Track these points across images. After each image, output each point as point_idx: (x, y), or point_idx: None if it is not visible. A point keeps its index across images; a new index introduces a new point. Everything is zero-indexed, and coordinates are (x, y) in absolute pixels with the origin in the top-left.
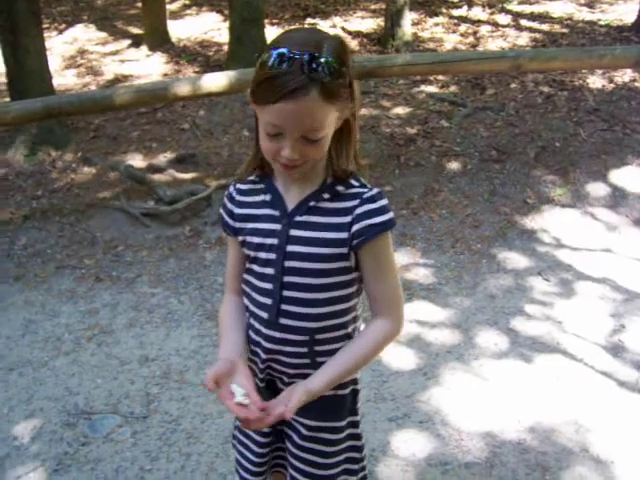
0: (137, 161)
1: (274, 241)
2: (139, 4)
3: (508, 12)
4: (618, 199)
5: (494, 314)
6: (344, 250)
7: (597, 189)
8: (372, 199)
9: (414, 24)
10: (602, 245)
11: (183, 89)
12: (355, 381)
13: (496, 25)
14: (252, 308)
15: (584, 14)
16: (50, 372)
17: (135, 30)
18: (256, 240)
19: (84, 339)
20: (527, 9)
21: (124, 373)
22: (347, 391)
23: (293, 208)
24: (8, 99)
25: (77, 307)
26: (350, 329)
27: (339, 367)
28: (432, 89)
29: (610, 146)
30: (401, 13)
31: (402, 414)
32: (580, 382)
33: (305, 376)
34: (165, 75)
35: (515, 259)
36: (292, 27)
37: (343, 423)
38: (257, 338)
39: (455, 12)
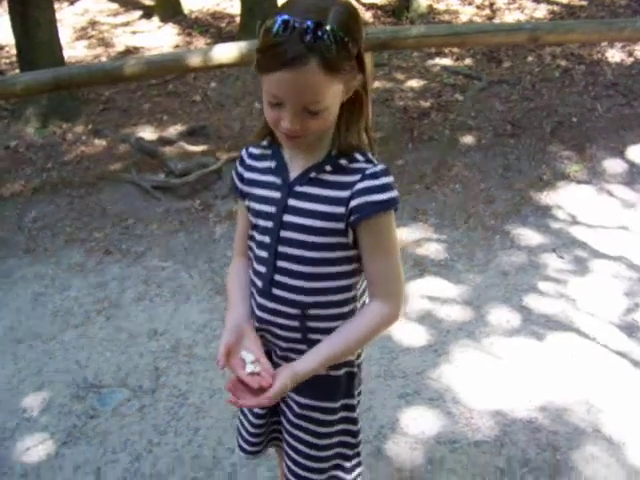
0: (148, 133)
1: (272, 209)
2: None
3: None
4: (635, 176)
5: (506, 291)
6: (340, 225)
7: (614, 165)
8: (374, 175)
9: None
10: (618, 222)
11: (194, 60)
12: (350, 363)
13: None
14: (252, 276)
15: None
16: (59, 345)
17: (147, 1)
18: (257, 206)
19: (93, 312)
20: None
21: (133, 347)
22: (341, 372)
23: (295, 178)
24: (18, 71)
25: (86, 280)
26: (346, 309)
27: (329, 350)
28: (447, 62)
29: (628, 121)
30: None
31: (412, 391)
32: (593, 361)
33: (297, 352)
34: (176, 47)
35: (529, 236)
36: None
37: (336, 405)
38: (254, 306)
39: None
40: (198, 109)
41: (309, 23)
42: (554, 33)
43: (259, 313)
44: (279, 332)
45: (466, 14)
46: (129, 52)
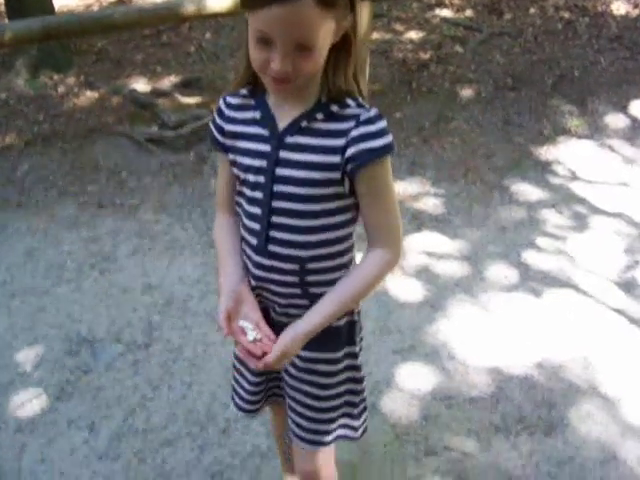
0: (141, 85)
1: (263, 163)
2: None
3: None
4: (637, 131)
5: (505, 247)
6: (336, 175)
7: (616, 120)
8: (370, 121)
9: None
10: (619, 179)
11: (187, 9)
12: (350, 312)
13: None
14: (244, 233)
15: None
16: (52, 300)
17: None
18: (245, 161)
19: (87, 267)
20: None
21: (126, 301)
22: (342, 322)
23: (284, 128)
24: (6, 20)
25: (80, 234)
26: (346, 258)
27: (332, 306)
28: (447, 13)
29: (632, 75)
30: None
31: (407, 347)
32: (591, 318)
33: (298, 307)
34: None
35: (528, 191)
36: None
37: (339, 354)
38: (248, 264)
39: None
40: (192, 60)
41: None
42: None
43: (255, 271)
44: (277, 289)
45: None
46: (122, 2)
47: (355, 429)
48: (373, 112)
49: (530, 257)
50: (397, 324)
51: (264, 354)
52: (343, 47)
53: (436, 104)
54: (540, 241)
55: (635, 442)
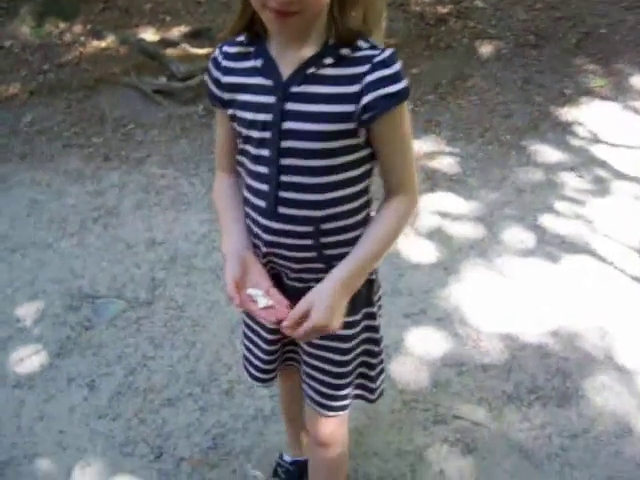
0: (149, 35)
1: (268, 117)
2: None
3: None
4: None
5: (521, 209)
6: (351, 125)
7: None
8: (385, 63)
9: None
10: None
11: None
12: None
13: None
14: (248, 195)
15: None
16: (54, 254)
17: None
18: (248, 116)
19: (90, 221)
20: None
21: (130, 257)
22: None
23: (289, 76)
24: None
25: (84, 187)
26: (361, 216)
27: (365, 253)
28: None
29: None
30: None
31: (418, 310)
32: (608, 286)
33: (313, 271)
34: None
35: (547, 153)
36: None
37: (358, 317)
38: (255, 229)
39: None
40: (202, 10)
41: None
42: None
43: (265, 236)
44: (290, 254)
45: None
46: None
47: (372, 391)
48: (388, 52)
49: (547, 221)
50: (408, 286)
51: (279, 321)
52: None
53: (454, 60)
54: (558, 205)
55: None
